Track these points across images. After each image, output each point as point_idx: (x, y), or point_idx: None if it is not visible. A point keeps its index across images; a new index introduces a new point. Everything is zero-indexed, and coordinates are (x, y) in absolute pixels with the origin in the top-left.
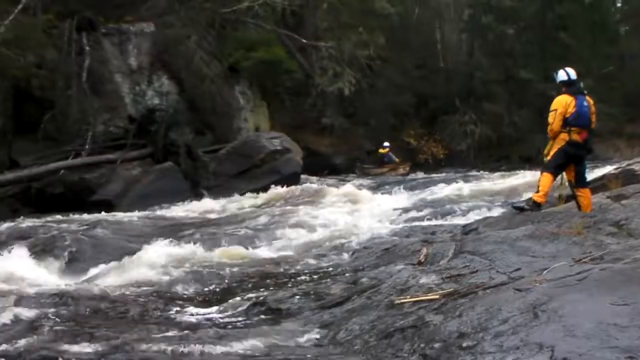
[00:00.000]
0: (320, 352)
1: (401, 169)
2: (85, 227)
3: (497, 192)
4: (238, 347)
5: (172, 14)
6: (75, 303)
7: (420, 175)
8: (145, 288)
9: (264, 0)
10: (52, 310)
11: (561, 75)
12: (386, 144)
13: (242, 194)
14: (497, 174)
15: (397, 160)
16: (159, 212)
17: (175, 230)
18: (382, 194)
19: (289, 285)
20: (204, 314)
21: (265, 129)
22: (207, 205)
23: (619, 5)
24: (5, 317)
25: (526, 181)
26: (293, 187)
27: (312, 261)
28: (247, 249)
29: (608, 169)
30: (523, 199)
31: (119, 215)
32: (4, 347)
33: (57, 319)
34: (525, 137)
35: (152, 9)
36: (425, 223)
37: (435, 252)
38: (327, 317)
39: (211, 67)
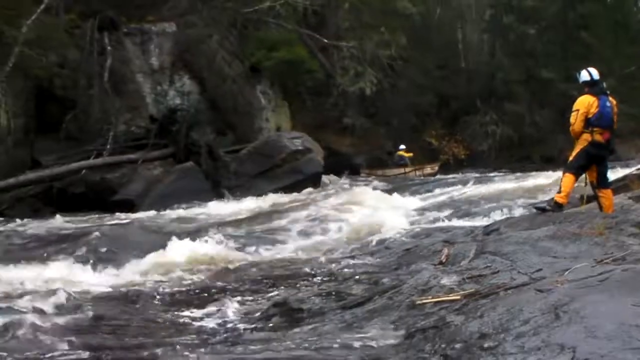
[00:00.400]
0: (342, 353)
1: (429, 168)
2: (106, 227)
3: (519, 192)
4: (258, 347)
5: (194, 14)
6: (94, 304)
7: (441, 175)
8: (165, 289)
9: (285, 0)
10: (71, 311)
11: (584, 76)
12: (402, 146)
13: (263, 194)
14: (519, 174)
15: (409, 164)
16: (180, 212)
17: (195, 231)
18: (403, 194)
19: (310, 285)
20: (224, 315)
21: (287, 129)
22: (228, 206)
23: None
24: (27, 318)
25: (547, 181)
26: (314, 187)
27: (333, 261)
28: (267, 249)
29: (630, 169)
30: (545, 199)
31: (140, 215)
32: (25, 348)
33: (74, 321)
34: (546, 137)
35: (173, 8)
36: (446, 223)
37: (457, 252)
38: (349, 317)
39: (233, 67)
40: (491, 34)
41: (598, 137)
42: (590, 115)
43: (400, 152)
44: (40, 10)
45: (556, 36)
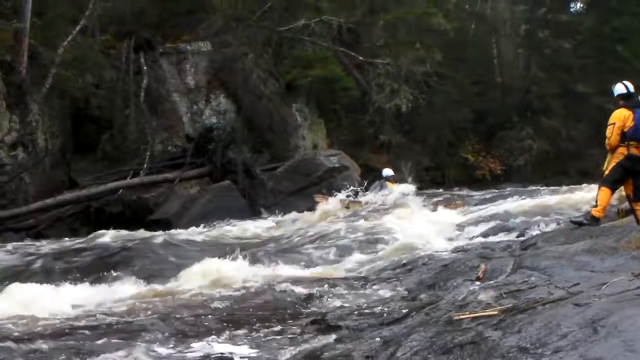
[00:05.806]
0: None
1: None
2: (144, 245)
3: (556, 207)
4: None
5: (229, 33)
6: (126, 322)
7: (478, 191)
8: (204, 306)
9: (320, 18)
10: (101, 331)
11: (619, 89)
12: (388, 172)
13: (300, 212)
14: (555, 188)
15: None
16: (216, 231)
17: (233, 249)
18: (442, 210)
19: (348, 302)
20: (261, 332)
21: (323, 147)
22: (266, 224)
23: None
24: (62, 338)
25: (584, 196)
26: (351, 204)
27: (371, 277)
28: (303, 266)
29: None
30: (581, 213)
31: (178, 234)
32: None
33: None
34: (583, 151)
35: (209, 28)
36: (484, 239)
37: (494, 267)
38: (387, 334)
39: (268, 85)
40: (526, 49)
41: (634, 151)
42: (625, 129)
43: (390, 182)
44: (76, 31)
45: (591, 50)
